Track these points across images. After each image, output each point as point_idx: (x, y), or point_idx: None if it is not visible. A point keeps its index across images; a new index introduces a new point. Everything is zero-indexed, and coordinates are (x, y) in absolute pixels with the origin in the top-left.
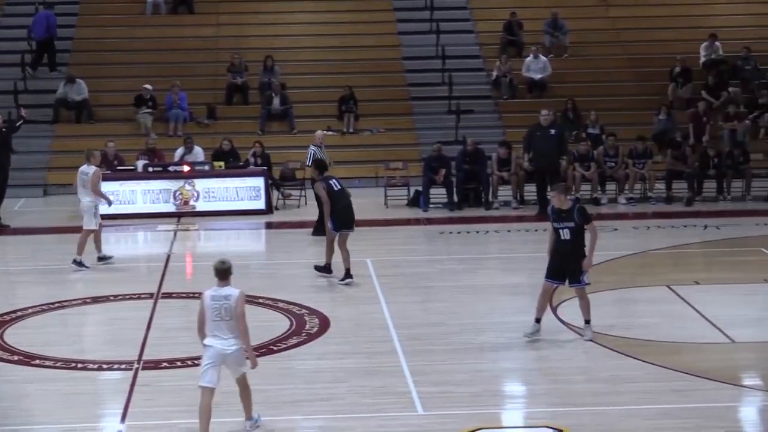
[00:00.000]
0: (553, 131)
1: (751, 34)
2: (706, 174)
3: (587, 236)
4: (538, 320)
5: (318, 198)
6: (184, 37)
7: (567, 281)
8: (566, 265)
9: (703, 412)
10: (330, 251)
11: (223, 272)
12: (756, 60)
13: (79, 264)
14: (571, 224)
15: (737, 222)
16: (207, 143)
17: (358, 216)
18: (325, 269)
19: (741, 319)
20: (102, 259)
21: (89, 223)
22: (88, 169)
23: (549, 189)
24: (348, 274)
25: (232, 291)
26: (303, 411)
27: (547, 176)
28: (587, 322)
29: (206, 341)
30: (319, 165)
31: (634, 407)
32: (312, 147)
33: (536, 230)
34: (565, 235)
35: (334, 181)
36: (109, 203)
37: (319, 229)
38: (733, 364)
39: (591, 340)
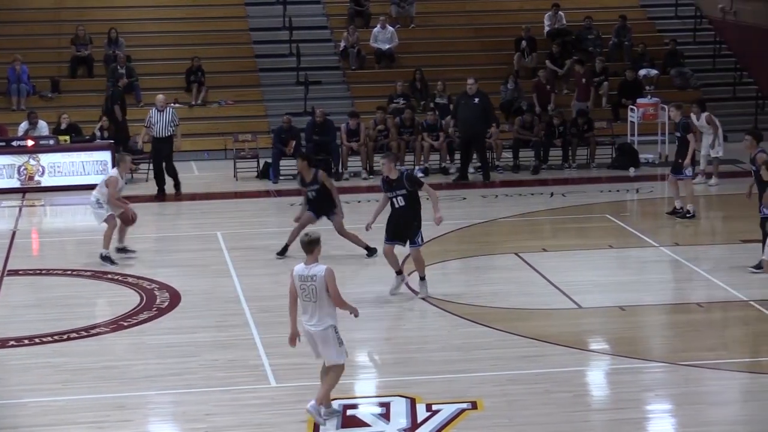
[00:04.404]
0: (476, 100)
1: (593, 4)
2: (552, 142)
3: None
4: (399, 272)
5: None
6: (23, 8)
7: (407, 243)
8: (404, 230)
9: (552, 377)
10: None
11: (308, 245)
12: (598, 29)
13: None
14: (404, 191)
15: (582, 189)
16: (52, 117)
17: (208, 189)
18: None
19: (587, 284)
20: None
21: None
22: (111, 172)
23: (475, 157)
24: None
25: (318, 271)
26: (155, 386)
27: (472, 145)
28: (422, 278)
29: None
30: None
31: (485, 374)
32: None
33: None
34: (399, 202)
35: None
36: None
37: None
38: (579, 329)
39: (424, 298)
